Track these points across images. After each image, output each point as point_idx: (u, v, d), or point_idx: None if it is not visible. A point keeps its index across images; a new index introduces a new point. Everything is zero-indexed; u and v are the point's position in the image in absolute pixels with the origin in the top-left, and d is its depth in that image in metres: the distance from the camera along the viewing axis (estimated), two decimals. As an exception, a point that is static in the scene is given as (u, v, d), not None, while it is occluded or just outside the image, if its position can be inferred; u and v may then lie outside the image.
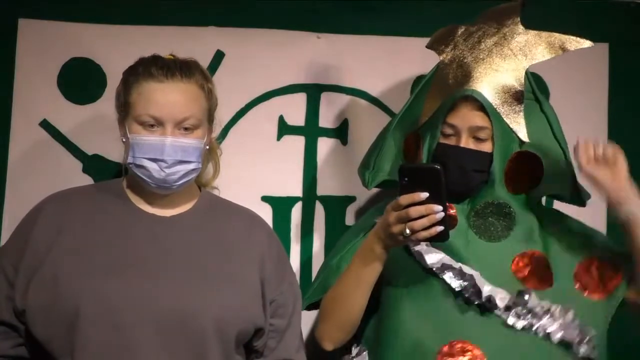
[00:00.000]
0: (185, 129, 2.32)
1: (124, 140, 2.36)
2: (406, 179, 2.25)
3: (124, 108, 2.34)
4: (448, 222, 2.26)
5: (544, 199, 2.73)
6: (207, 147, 2.39)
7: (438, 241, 2.30)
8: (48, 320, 2.26)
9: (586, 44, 2.54)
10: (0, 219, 2.83)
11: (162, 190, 2.34)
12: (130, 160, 2.31)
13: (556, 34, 2.53)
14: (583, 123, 2.93)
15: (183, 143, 2.31)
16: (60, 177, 2.78)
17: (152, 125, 2.30)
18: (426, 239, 2.29)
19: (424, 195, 2.23)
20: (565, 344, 2.41)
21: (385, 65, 2.92)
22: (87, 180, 2.81)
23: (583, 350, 2.41)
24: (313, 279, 2.74)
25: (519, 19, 2.54)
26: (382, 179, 2.62)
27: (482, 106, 2.46)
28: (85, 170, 2.84)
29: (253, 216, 2.48)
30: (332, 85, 2.93)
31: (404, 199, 2.26)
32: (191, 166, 2.33)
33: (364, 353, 2.52)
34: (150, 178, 2.31)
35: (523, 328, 2.40)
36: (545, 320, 2.41)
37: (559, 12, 2.91)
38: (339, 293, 2.48)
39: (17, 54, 2.85)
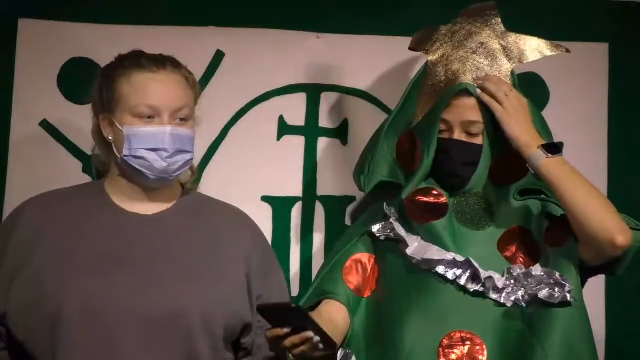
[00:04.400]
0: (180, 119, 2.32)
1: (110, 138, 2.34)
2: (268, 317, 2.30)
3: (110, 104, 2.32)
4: (327, 337, 2.29)
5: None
6: None
7: (327, 352, 2.34)
8: (30, 321, 2.25)
9: (561, 49, 2.59)
10: (1, 219, 2.82)
11: (158, 182, 2.33)
12: (126, 152, 2.30)
13: (536, 39, 2.58)
14: (583, 123, 2.93)
15: (181, 132, 2.31)
16: (60, 177, 2.78)
17: (148, 116, 2.29)
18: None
19: (286, 330, 2.27)
20: (547, 304, 2.44)
21: (385, 65, 2.92)
22: (87, 180, 2.80)
23: (560, 296, 2.43)
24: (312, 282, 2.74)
25: (500, 20, 2.59)
26: (377, 180, 2.64)
27: (474, 101, 2.52)
28: (85, 170, 2.84)
29: (238, 213, 2.48)
30: (332, 85, 2.93)
31: (269, 334, 2.30)
32: (188, 156, 2.34)
33: (353, 358, 2.53)
34: (150, 169, 2.30)
35: (515, 304, 2.44)
36: (527, 284, 2.45)
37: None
38: None
39: (17, 54, 2.85)
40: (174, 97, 2.31)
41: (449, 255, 2.46)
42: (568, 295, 2.42)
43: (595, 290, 2.78)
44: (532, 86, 2.86)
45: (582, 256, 2.48)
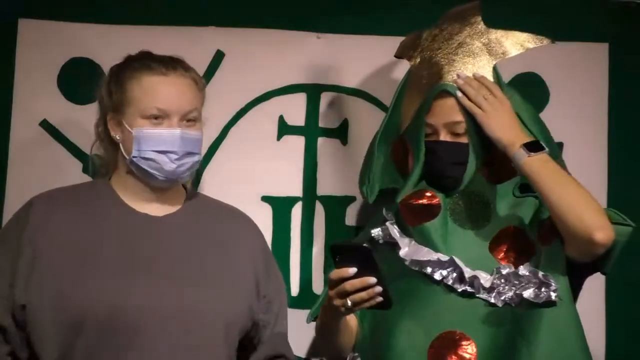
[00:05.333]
0: (188, 120, 2.34)
1: (118, 138, 2.35)
2: (338, 256, 2.28)
3: (119, 105, 2.33)
4: (387, 293, 2.27)
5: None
6: None
7: (380, 309, 2.31)
8: (51, 325, 2.23)
9: (545, 41, 2.59)
10: (1, 219, 2.83)
11: (166, 183, 2.34)
12: (135, 153, 2.31)
13: (517, 33, 2.59)
14: (583, 123, 2.93)
15: (190, 135, 2.33)
16: (60, 177, 2.78)
17: (157, 118, 2.30)
18: (369, 308, 2.32)
19: (352, 271, 2.26)
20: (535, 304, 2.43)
21: (385, 65, 2.92)
22: (87, 180, 2.80)
23: (545, 295, 2.42)
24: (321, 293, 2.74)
25: (481, 18, 2.60)
26: (377, 189, 2.67)
27: (455, 101, 2.53)
28: (85, 170, 2.84)
29: (241, 215, 2.51)
30: (332, 85, 2.93)
31: (333, 274, 2.29)
32: (195, 158, 2.35)
33: None
34: (159, 171, 2.31)
35: (506, 304, 2.44)
36: (518, 284, 2.44)
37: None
38: (324, 331, 2.55)
39: (17, 54, 2.85)
40: (184, 100, 2.33)
41: (435, 256, 2.47)
42: (553, 295, 2.41)
43: (595, 290, 2.79)
44: (532, 86, 2.87)
45: (568, 254, 2.46)
